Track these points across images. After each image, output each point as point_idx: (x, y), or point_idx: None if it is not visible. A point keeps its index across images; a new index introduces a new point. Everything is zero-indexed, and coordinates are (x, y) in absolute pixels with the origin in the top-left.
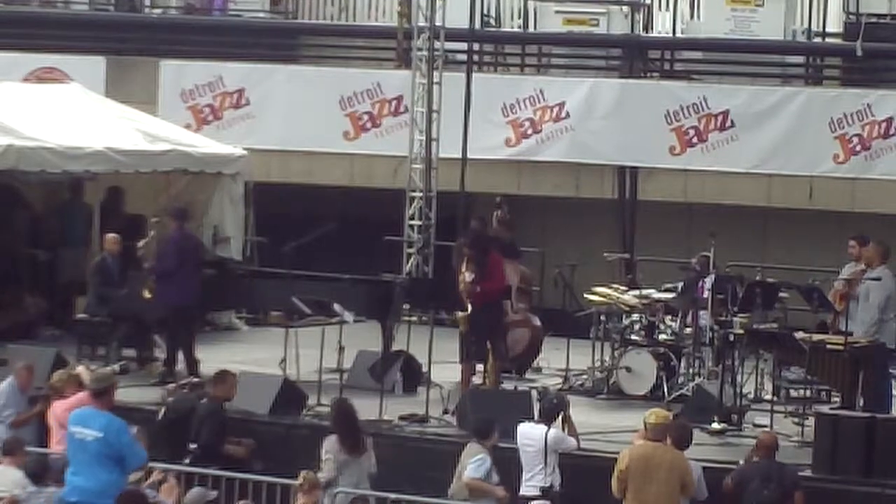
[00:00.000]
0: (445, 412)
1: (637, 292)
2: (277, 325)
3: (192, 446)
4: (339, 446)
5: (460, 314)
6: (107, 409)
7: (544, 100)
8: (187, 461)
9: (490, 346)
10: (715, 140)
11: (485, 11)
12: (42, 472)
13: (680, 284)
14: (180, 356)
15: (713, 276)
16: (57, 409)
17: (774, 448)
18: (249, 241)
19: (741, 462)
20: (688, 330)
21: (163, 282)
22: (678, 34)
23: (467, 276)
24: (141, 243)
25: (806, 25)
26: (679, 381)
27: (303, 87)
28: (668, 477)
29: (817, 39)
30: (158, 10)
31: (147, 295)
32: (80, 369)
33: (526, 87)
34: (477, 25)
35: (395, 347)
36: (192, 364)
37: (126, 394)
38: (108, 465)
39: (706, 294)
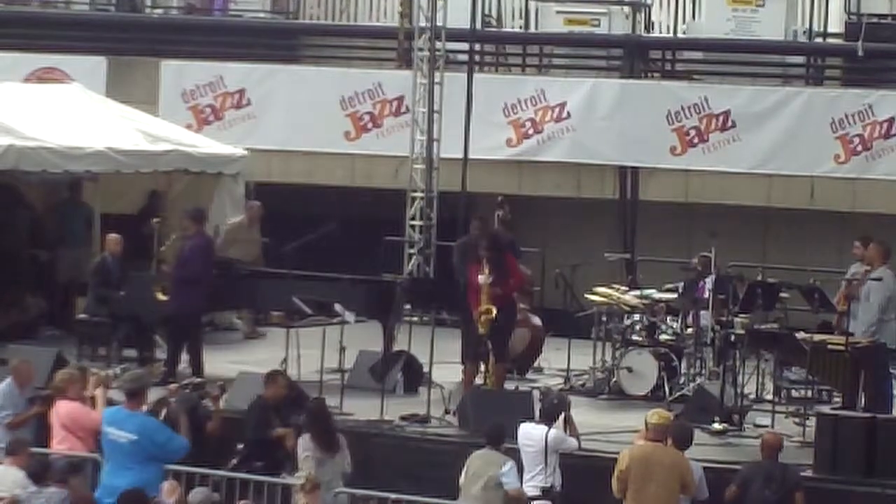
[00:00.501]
0: (446, 412)
1: (638, 292)
2: (278, 326)
3: (239, 447)
4: (314, 445)
5: (484, 317)
6: (139, 409)
7: (545, 100)
8: (235, 461)
9: (491, 346)
10: (716, 140)
11: (486, 12)
12: (42, 473)
13: (681, 284)
14: (181, 357)
15: (714, 277)
16: (60, 409)
17: (778, 448)
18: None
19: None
20: (689, 330)
21: (185, 285)
22: (679, 34)
23: (486, 278)
24: (163, 247)
25: (807, 26)
26: (680, 382)
27: (304, 88)
28: (668, 477)
29: (818, 40)
30: (159, 11)
31: (161, 297)
32: (93, 382)
33: (527, 87)
34: (478, 26)
35: (396, 348)
36: (200, 366)
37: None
38: (144, 463)
39: (707, 294)
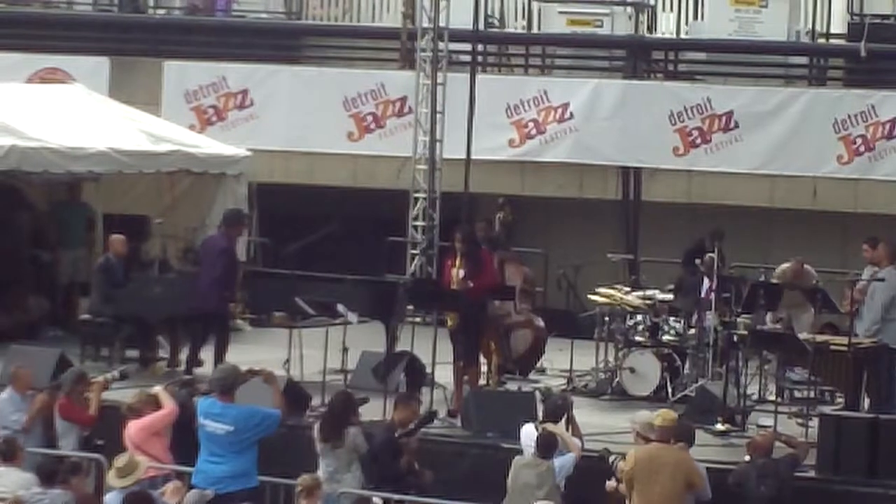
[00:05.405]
0: (449, 413)
1: (640, 293)
2: (281, 326)
3: None
4: (318, 432)
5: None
6: (231, 401)
7: (548, 100)
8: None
9: (494, 346)
10: (718, 141)
11: (488, 12)
12: (52, 474)
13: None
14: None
15: (716, 277)
16: (131, 429)
17: (769, 449)
18: (253, 242)
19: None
20: (692, 331)
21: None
22: (682, 35)
23: (459, 272)
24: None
25: (809, 26)
26: (683, 382)
27: (306, 88)
28: (673, 478)
29: (821, 40)
30: (162, 11)
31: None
32: (158, 389)
33: (530, 87)
34: (481, 26)
35: (398, 348)
36: (193, 362)
37: (127, 395)
38: (240, 448)
39: (710, 295)
